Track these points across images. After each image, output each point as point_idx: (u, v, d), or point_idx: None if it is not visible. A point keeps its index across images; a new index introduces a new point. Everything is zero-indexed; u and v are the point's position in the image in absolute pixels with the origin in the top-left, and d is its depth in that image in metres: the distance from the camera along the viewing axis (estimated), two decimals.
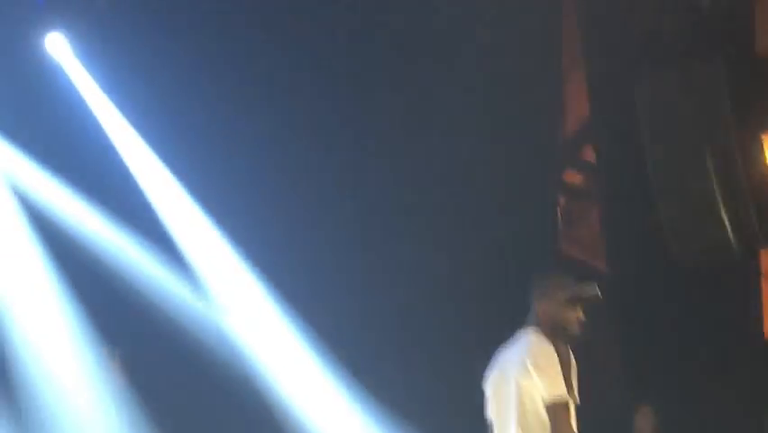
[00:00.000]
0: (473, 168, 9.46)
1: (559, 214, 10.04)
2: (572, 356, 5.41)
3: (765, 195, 8.15)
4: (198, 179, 9.81)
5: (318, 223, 9.81)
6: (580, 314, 5.54)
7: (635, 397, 9.04)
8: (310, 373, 9.63)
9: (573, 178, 10.28)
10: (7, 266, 9.45)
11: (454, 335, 9.46)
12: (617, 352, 9.65)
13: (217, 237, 9.84)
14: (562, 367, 5.36)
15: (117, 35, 9.67)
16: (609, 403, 9.09)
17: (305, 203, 9.81)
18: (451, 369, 9.19)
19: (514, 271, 9.23)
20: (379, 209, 9.75)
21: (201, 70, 9.81)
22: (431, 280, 9.52)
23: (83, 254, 9.42)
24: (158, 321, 9.33)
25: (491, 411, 5.62)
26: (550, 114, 9.80)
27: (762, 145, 8.22)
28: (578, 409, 5.46)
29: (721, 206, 8.13)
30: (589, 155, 10.03)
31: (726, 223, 8.18)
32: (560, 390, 5.34)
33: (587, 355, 5.90)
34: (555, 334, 5.49)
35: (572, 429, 5.44)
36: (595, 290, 5.58)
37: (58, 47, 9.60)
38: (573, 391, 5.40)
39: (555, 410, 5.36)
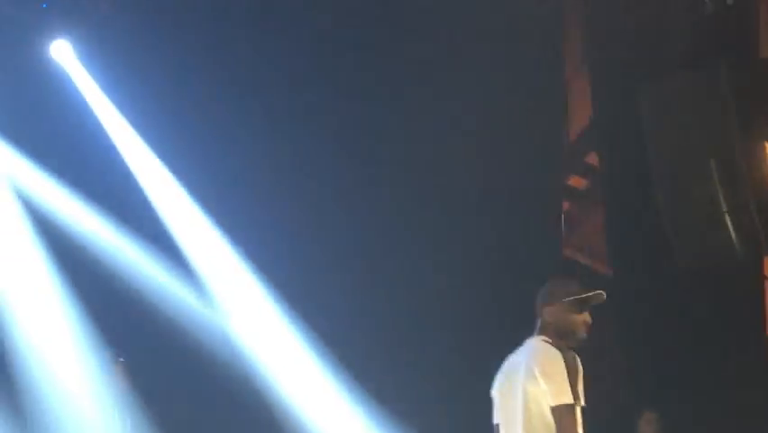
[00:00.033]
0: (477, 172, 9.47)
1: (563, 218, 10.04)
2: (579, 362, 5.41)
3: None
4: (201, 182, 9.83)
5: (321, 225, 9.82)
6: (587, 317, 5.55)
7: (638, 402, 9.03)
8: (313, 377, 9.64)
9: (577, 182, 10.29)
10: (11, 270, 9.46)
11: (457, 338, 9.46)
12: (620, 356, 9.65)
13: (220, 241, 9.85)
14: (568, 373, 5.34)
15: (121, 41, 9.70)
16: (613, 409, 9.10)
17: (308, 207, 9.82)
18: (455, 373, 9.21)
19: (518, 274, 9.25)
20: (383, 214, 9.76)
21: (204, 75, 9.83)
22: (435, 285, 9.52)
23: (86, 258, 9.44)
24: (161, 325, 9.35)
25: (498, 416, 5.62)
26: (553, 119, 9.81)
27: (765, 150, 8.22)
28: (583, 414, 5.47)
29: (725, 210, 8.14)
30: (593, 160, 10.04)
31: (730, 227, 8.19)
32: (566, 395, 5.33)
33: (590, 360, 5.91)
34: (562, 338, 5.48)
35: None
36: (600, 293, 5.58)
37: (62, 53, 9.64)
38: (580, 396, 5.40)
39: (561, 415, 5.35)
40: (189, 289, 9.76)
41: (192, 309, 9.66)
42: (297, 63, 9.78)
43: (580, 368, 5.38)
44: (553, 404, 5.33)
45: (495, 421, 5.64)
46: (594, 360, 5.76)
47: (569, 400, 5.33)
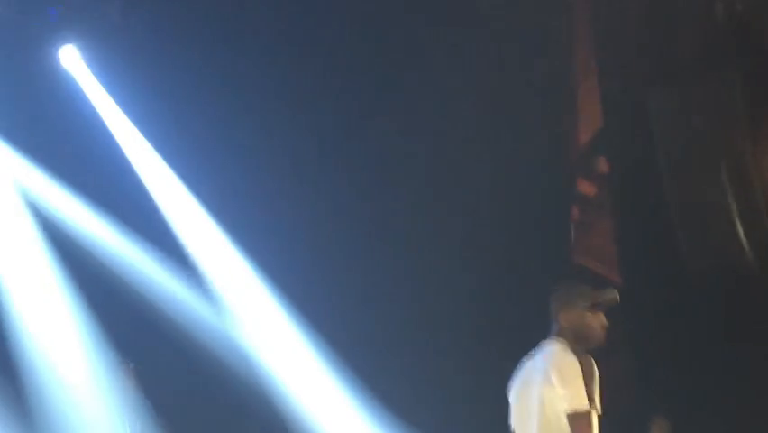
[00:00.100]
0: (486, 178, 9.48)
1: (572, 224, 10.03)
2: (595, 367, 5.43)
3: None
4: (210, 188, 9.84)
5: (328, 229, 9.83)
6: (602, 319, 5.59)
7: (648, 408, 9.02)
8: (322, 383, 9.63)
9: (587, 188, 10.27)
10: (20, 275, 9.47)
11: (467, 344, 9.46)
12: (630, 362, 9.63)
13: (229, 246, 9.86)
14: (585, 378, 5.38)
15: (129, 48, 9.73)
16: (624, 416, 9.08)
17: (316, 211, 9.84)
18: (465, 379, 9.22)
19: (527, 281, 9.25)
20: (393, 220, 9.77)
21: (213, 82, 9.85)
22: (445, 291, 9.53)
23: (95, 263, 9.44)
24: (170, 330, 9.36)
25: (514, 420, 5.67)
26: (563, 124, 9.81)
27: None
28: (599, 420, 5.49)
29: (736, 217, 8.15)
30: (603, 166, 10.02)
31: (741, 234, 8.19)
32: (582, 400, 5.37)
33: (599, 366, 5.91)
34: (579, 342, 5.53)
35: None
36: (614, 294, 5.62)
37: (71, 59, 9.65)
38: (596, 401, 5.42)
39: (576, 421, 5.38)
40: (199, 294, 9.76)
41: (201, 315, 9.67)
42: (308, 69, 9.80)
43: (597, 374, 5.41)
44: (569, 409, 5.37)
45: (511, 425, 5.67)
46: (603, 365, 5.76)
47: (584, 405, 5.37)
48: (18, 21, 9.14)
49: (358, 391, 9.44)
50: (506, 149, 9.42)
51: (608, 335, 5.74)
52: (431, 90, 9.55)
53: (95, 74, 9.74)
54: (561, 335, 5.56)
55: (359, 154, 9.84)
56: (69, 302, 9.47)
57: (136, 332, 9.27)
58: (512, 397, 5.68)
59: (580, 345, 5.52)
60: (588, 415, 5.40)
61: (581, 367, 5.39)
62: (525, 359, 5.79)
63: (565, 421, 5.39)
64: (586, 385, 5.38)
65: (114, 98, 9.78)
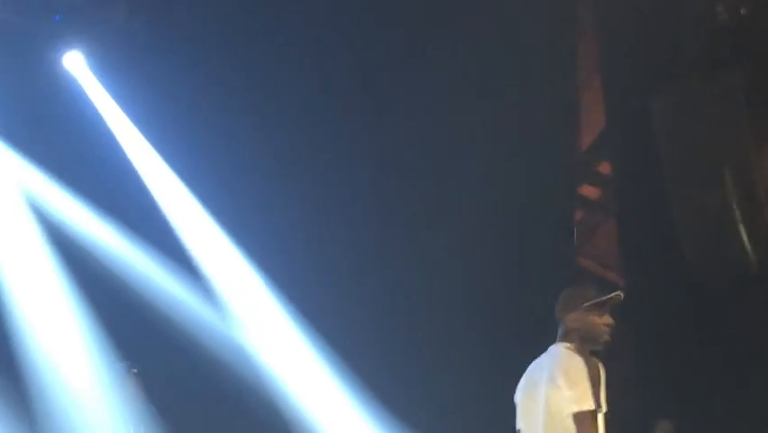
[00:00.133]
0: (490, 181, 9.48)
1: (575, 228, 10.04)
2: (602, 369, 5.46)
3: None
4: (214, 191, 9.85)
5: (333, 232, 9.86)
6: (608, 319, 5.62)
7: (652, 412, 9.02)
8: (327, 388, 9.63)
9: (590, 191, 10.28)
10: (25, 279, 9.48)
11: (471, 348, 9.46)
12: (633, 365, 9.63)
13: (234, 251, 9.87)
14: (591, 380, 5.41)
15: (133, 53, 9.76)
16: (628, 419, 9.08)
17: (320, 214, 9.86)
18: (470, 382, 9.23)
19: (531, 284, 9.27)
20: (397, 223, 9.79)
21: (216, 86, 9.87)
22: (448, 294, 9.54)
23: (99, 267, 9.45)
24: (174, 335, 9.35)
25: (521, 422, 5.69)
26: (566, 127, 9.81)
27: None
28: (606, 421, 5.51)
29: (739, 220, 8.15)
30: (606, 169, 10.04)
31: (744, 237, 8.19)
32: (588, 402, 5.39)
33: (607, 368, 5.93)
34: (586, 342, 5.57)
35: None
36: (618, 294, 5.65)
37: (75, 64, 9.67)
38: (603, 403, 5.44)
39: (582, 422, 5.40)
40: (203, 299, 9.77)
41: (204, 318, 9.67)
42: (313, 72, 9.84)
43: (603, 375, 5.44)
44: (575, 410, 5.39)
45: (517, 427, 5.68)
46: (607, 367, 5.78)
47: (590, 406, 5.39)
48: (23, 26, 9.17)
49: (363, 394, 9.43)
50: (508, 151, 9.43)
51: (614, 335, 5.77)
52: (432, 91, 9.58)
53: (98, 78, 9.77)
54: (567, 336, 5.59)
55: (362, 156, 9.87)
56: (73, 305, 9.48)
57: (139, 335, 9.27)
58: (519, 398, 5.70)
59: (587, 346, 5.55)
60: (593, 415, 5.42)
61: (588, 368, 5.41)
62: (519, 362, 5.82)
63: (571, 422, 5.40)
64: (592, 386, 5.39)
65: (118, 103, 9.81)
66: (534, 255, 9.51)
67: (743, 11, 8.29)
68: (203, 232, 9.92)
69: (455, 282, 9.55)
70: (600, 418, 5.44)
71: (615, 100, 9.50)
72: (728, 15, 8.29)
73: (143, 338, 9.25)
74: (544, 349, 5.80)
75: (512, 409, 5.84)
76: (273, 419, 9.40)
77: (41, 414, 9.17)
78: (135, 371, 8.65)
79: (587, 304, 5.59)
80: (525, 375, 5.71)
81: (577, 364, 5.41)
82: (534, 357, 5.85)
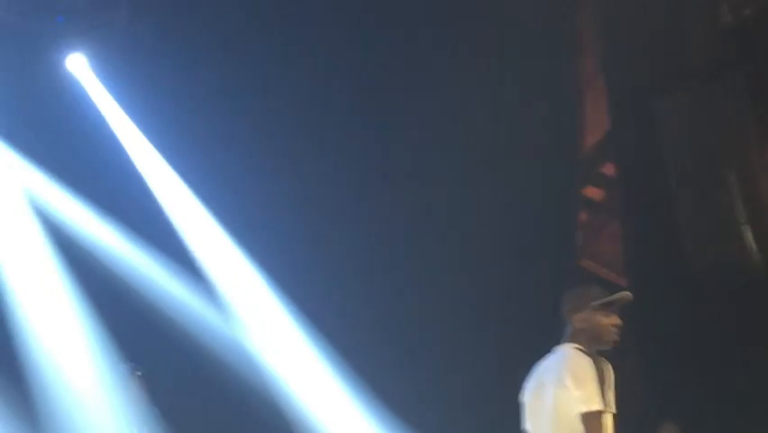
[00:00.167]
0: (493, 183, 9.49)
1: (579, 229, 10.03)
2: (610, 369, 5.46)
3: None
4: (217, 193, 9.86)
5: (338, 234, 9.86)
6: (616, 319, 5.62)
7: (656, 414, 9.01)
8: (331, 389, 9.63)
9: (593, 193, 10.28)
10: (28, 282, 9.48)
11: (475, 350, 9.46)
12: (637, 366, 9.63)
13: (236, 252, 9.87)
14: (599, 380, 5.40)
15: (136, 55, 9.77)
16: (629, 418, 9.07)
17: (324, 215, 9.86)
18: (474, 384, 9.23)
19: (535, 286, 9.26)
20: (401, 225, 9.79)
21: (219, 88, 9.87)
22: (452, 296, 9.54)
23: (102, 269, 9.45)
24: (178, 338, 9.35)
25: (528, 422, 5.68)
26: (569, 129, 9.82)
27: None
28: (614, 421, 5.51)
29: (743, 220, 8.15)
30: (609, 170, 10.03)
31: (749, 236, 8.19)
32: (595, 402, 5.39)
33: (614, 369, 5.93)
34: (593, 343, 5.56)
35: None
36: (626, 294, 5.64)
37: (78, 66, 9.68)
38: (611, 404, 5.44)
39: (589, 422, 5.40)
40: (206, 301, 9.77)
41: (209, 321, 9.67)
42: (316, 73, 9.84)
43: (611, 375, 5.44)
44: (583, 410, 5.39)
45: (525, 427, 5.68)
46: (614, 367, 5.77)
47: (598, 406, 5.39)
48: (26, 28, 9.18)
49: (366, 396, 9.43)
50: (512, 152, 9.44)
51: (622, 335, 5.76)
52: (435, 92, 9.58)
53: (101, 80, 9.77)
54: (574, 337, 5.58)
55: (365, 157, 9.87)
56: (76, 307, 9.48)
57: (143, 337, 9.27)
58: (526, 399, 5.70)
59: (594, 346, 5.55)
60: (601, 415, 5.42)
61: (595, 369, 5.41)
62: (536, 362, 5.81)
63: (578, 423, 5.40)
64: (600, 387, 5.40)
65: (121, 104, 9.82)
66: (538, 256, 9.51)
67: (747, 12, 8.29)
68: (206, 233, 9.92)
69: (459, 283, 9.55)
70: (608, 418, 5.44)
71: (619, 101, 9.49)
72: (732, 16, 8.29)
73: (147, 340, 9.24)
74: (550, 350, 5.79)
75: (519, 409, 5.84)
76: (276, 421, 9.38)
77: (44, 416, 9.16)
78: (139, 373, 8.65)
79: (594, 304, 5.59)
80: (532, 376, 5.70)
81: (584, 365, 5.40)
82: (539, 358, 5.84)
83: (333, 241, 9.87)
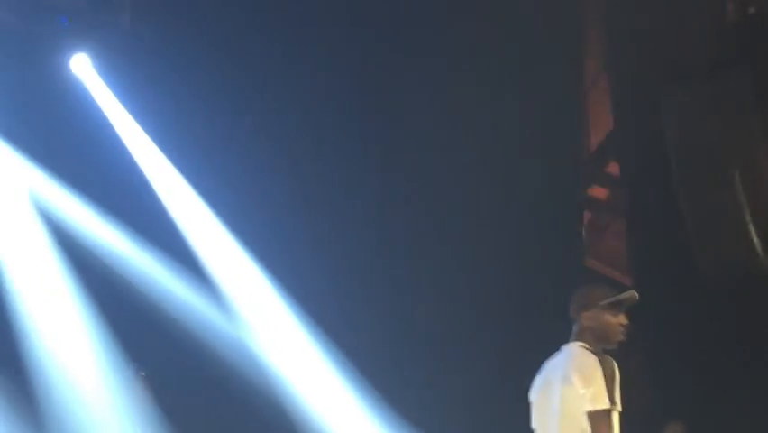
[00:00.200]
0: (498, 183, 9.48)
1: (584, 228, 10.03)
2: (617, 367, 5.46)
3: None
4: (221, 194, 9.85)
5: (341, 235, 9.85)
6: (623, 319, 5.64)
7: (661, 413, 9.00)
8: (336, 390, 9.61)
9: (598, 192, 10.28)
10: (33, 283, 9.47)
11: (480, 350, 9.45)
12: (643, 365, 9.61)
13: (240, 253, 9.86)
14: (606, 378, 5.41)
15: (140, 56, 9.76)
16: (636, 417, 9.05)
17: (327, 216, 9.85)
18: (479, 385, 9.21)
19: (540, 286, 9.26)
20: (405, 225, 9.80)
21: (223, 88, 9.87)
22: (457, 297, 9.53)
23: (106, 270, 9.44)
24: (182, 339, 9.34)
25: (535, 421, 5.69)
26: (574, 128, 9.82)
27: None
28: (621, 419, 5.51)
29: (749, 219, 8.12)
30: (614, 169, 10.03)
31: (754, 236, 8.17)
32: (603, 401, 5.39)
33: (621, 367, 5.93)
34: (601, 342, 5.58)
35: None
36: (633, 294, 5.65)
37: (82, 67, 9.68)
38: (617, 402, 5.44)
39: (597, 420, 5.40)
40: (210, 302, 9.76)
41: (213, 322, 9.66)
42: (318, 73, 9.83)
43: (618, 373, 5.44)
44: (590, 409, 5.39)
45: (532, 426, 5.68)
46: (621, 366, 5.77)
47: (605, 405, 5.39)
48: (29, 29, 9.18)
49: (370, 396, 9.42)
50: (516, 152, 9.43)
51: (627, 334, 5.77)
52: (438, 92, 9.58)
53: (105, 81, 9.77)
54: (581, 335, 5.60)
55: (368, 157, 9.88)
56: (80, 308, 9.46)
57: (147, 338, 9.25)
58: (533, 398, 5.70)
59: (601, 345, 5.57)
60: (608, 414, 5.43)
61: (602, 367, 5.42)
62: (542, 361, 5.82)
63: (586, 421, 5.40)
64: (607, 385, 5.40)
65: (125, 105, 9.81)
66: (543, 256, 9.51)
67: (751, 10, 8.27)
68: (209, 234, 9.91)
69: (463, 284, 9.55)
70: (615, 416, 5.44)
71: (623, 100, 9.49)
72: (737, 14, 8.27)
73: (150, 341, 9.23)
74: (555, 349, 5.80)
75: (526, 409, 5.84)
76: (281, 421, 9.37)
77: (48, 417, 9.15)
78: (143, 373, 8.64)
79: (602, 303, 5.61)
80: (539, 375, 5.72)
81: (592, 363, 5.41)
82: (544, 357, 5.85)
83: (336, 241, 9.86)
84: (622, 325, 5.63)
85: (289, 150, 9.88)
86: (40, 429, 9.09)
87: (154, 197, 9.86)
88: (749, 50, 8.40)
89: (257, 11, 9.85)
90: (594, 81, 9.78)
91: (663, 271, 9.23)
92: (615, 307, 5.62)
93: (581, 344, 5.55)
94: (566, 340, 5.77)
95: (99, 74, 9.73)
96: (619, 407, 5.46)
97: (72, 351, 9.40)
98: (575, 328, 5.63)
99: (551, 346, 5.88)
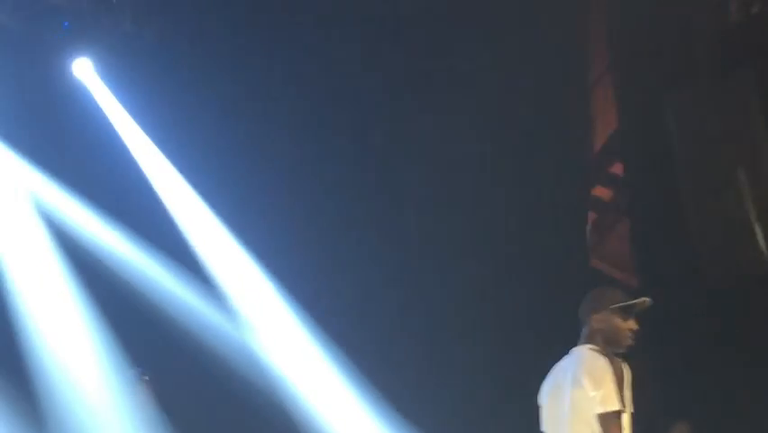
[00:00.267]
0: (503, 184, 9.48)
1: (588, 229, 10.02)
2: (627, 369, 5.45)
3: None
4: (223, 196, 9.84)
5: (344, 237, 9.85)
6: (633, 324, 5.62)
7: (667, 412, 8.99)
8: (339, 393, 9.61)
9: (602, 193, 10.27)
10: (36, 287, 9.47)
11: (484, 351, 9.47)
12: (648, 366, 9.60)
13: (243, 256, 9.86)
14: (616, 380, 5.39)
15: (142, 59, 9.76)
16: (642, 419, 9.05)
17: (330, 218, 9.86)
18: (485, 385, 9.21)
19: (545, 286, 9.26)
20: (410, 227, 9.81)
21: (224, 91, 9.87)
22: (462, 297, 9.54)
23: (108, 273, 9.44)
24: (185, 342, 9.34)
25: (545, 424, 5.66)
26: (578, 128, 9.82)
27: None
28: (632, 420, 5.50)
29: (754, 219, 8.12)
30: (618, 170, 10.03)
31: (759, 236, 8.17)
32: (613, 402, 5.37)
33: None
34: (609, 345, 5.56)
35: None
36: (645, 300, 5.64)
37: (84, 71, 9.67)
38: (628, 403, 5.43)
39: (607, 422, 5.39)
40: (214, 305, 9.76)
41: (216, 325, 9.66)
42: (322, 76, 9.83)
43: (628, 375, 5.43)
44: (600, 411, 5.38)
45: (542, 430, 5.66)
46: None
47: (616, 406, 5.38)
48: (31, 34, 9.17)
49: (374, 398, 9.43)
50: (521, 152, 9.43)
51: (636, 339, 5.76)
52: (442, 91, 9.58)
53: (107, 84, 9.77)
54: (591, 337, 5.58)
55: (373, 158, 9.88)
56: (84, 312, 9.46)
57: (150, 342, 9.26)
58: (543, 402, 5.68)
59: (609, 348, 5.55)
60: (618, 416, 5.41)
61: (612, 369, 5.41)
62: (545, 362, 5.81)
63: (596, 423, 5.39)
64: (617, 386, 5.39)
65: (127, 109, 9.81)
66: (547, 256, 9.50)
67: (755, 9, 8.26)
68: (213, 237, 9.91)
69: (468, 284, 9.55)
70: (626, 418, 5.43)
71: (627, 101, 9.50)
72: (741, 14, 8.27)
73: (154, 344, 9.23)
74: (561, 350, 5.79)
75: (531, 411, 5.83)
76: (284, 424, 9.37)
77: (51, 420, 9.14)
78: (146, 377, 8.64)
79: (613, 306, 5.58)
80: (548, 378, 5.69)
81: (602, 365, 5.40)
82: (550, 358, 5.83)
83: (339, 243, 9.87)
84: (632, 330, 5.61)
85: (291, 151, 9.89)
86: (41, 431, 9.08)
87: (156, 199, 9.87)
88: (752, 50, 8.40)
89: (258, 13, 9.85)
90: (599, 81, 9.78)
91: (668, 270, 9.23)
92: (626, 311, 5.60)
93: (591, 346, 5.53)
94: (572, 341, 5.77)
95: (101, 77, 9.73)
96: (630, 408, 5.45)
97: (73, 352, 9.40)
98: (585, 331, 5.60)
99: (558, 347, 5.87)
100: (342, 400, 9.60)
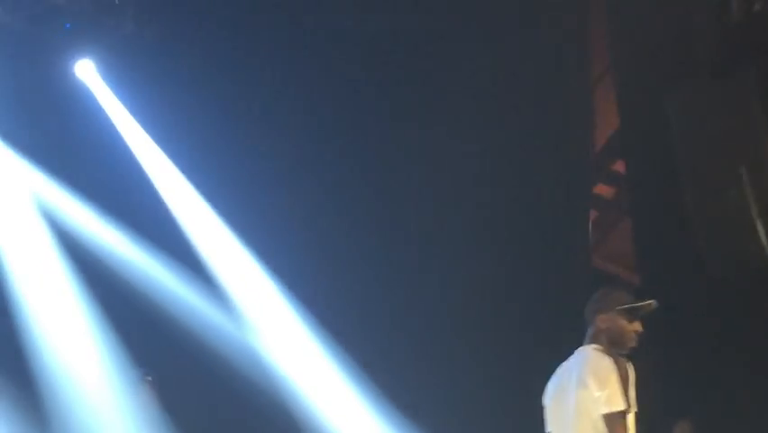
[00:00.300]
0: (504, 181, 9.48)
1: (590, 227, 10.03)
2: (632, 369, 5.46)
3: None
4: (226, 197, 9.85)
5: (346, 237, 9.85)
6: (638, 326, 5.63)
7: (669, 411, 9.00)
8: (343, 392, 9.61)
9: (604, 190, 10.29)
10: (39, 289, 9.47)
11: (485, 350, 9.45)
12: (650, 364, 9.60)
13: (246, 256, 9.86)
14: (620, 380, 5.40)
15: (144, 60, 9.76)
16: (645, 418, 9.05)
17: (331, 217, 9.85)
18: (485, 384, 9.22)
19: (547, 284, 9.26)
20: (411, 225, 9.79)
21: (226, 92, 9.87)
22: (463, 296, 9.53)
23: (111, 274, 9.44)
24: (188, 343, 9.34)
25: (550, 424, 5.67)
26: (580, 127, 9.82)
27: None
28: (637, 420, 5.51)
29: (756, 216, 8.12)
30: (620, 168, 10.03)
31: (761, 233, 8.17)
32: (618, 402, 5.39)
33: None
34: (614, 345, 5.57)
35: None
36: (651, 303, 5.65)
37: (87, 72, 9.68)
38: (632, 403, 5.44)
39: (612, 422, 5.40)
40: (216, 305, 9.76)
41: (219, 326, 9.66)
42: (324, 77, 9.82)
43: (632, 375, 5.44)
44: (605, 411, 5.39)
45: (547, 430, 5.67)
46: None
47: (621, 406, 5.40)
48: (33, 35, 9.17)
49: (377, 397, 9.43)
50: (523, 151, 9.43)
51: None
52: (443, 91, 9.58)
53: (109, 85, 9.77)
54: (596, 338, 5.60)
55: (374, 158, 9.87)
56: (87, 313, 9.47)
57: (153, 342, 9.26)
58: (547, 402, 5.69)
59: (613, 349, 5.57)
60: (623, 416, 5.42)
61: (617, 369, 5.42)
62: (549, 362, 5.82)
63: (601, 423, 5.39)
64: (622, 386, 5.40)
65: (129, 109, 9.81)
66: (549, 255, 9.51)
67: (756, 8, 8.26)
68: (215, 237, 9.92)
69: (469, 284, 9.54)
70: (631, 418, 5.44)
71: (628, 99, 9.50)
72: (742, 13, 8.27)
73: (157, 345, 9.23)
74: (564, 349, 5.80)
75: (535, 412, 5.84)
76: (287, 424, 9.37)
77: (54, 421, 9.15)
78: (149, 378, 8.64)
79: (619, 308, 5.60)
80: (552, 378, 5.70)
81: (607, 366, 5.41)
82: (553, 357, 5.85)
83: (342, 243, 9.86)
84: (636, 332, 5.63)
85: (292, 151, 9.89)
86: (44, 431, 9.08)
87: (158, 199, 9.87)
88: (754, 48, 8.39)
89: (258, 13, 9.85)
90: (600, 80, 9.78)
91: (670, 268, 9.24)
92: (631, 313, 5.61)
93: (596, 346, 5.55)
94: (573, 340, 5.78)
95: (103, 78, 9.74)
96: (635, 408, 5.46)
97: (76, 353, 9.40)
98: (590, 331, 5.62)
99: (561, 346, 5.88)
100: (344, 400, 9.59)
